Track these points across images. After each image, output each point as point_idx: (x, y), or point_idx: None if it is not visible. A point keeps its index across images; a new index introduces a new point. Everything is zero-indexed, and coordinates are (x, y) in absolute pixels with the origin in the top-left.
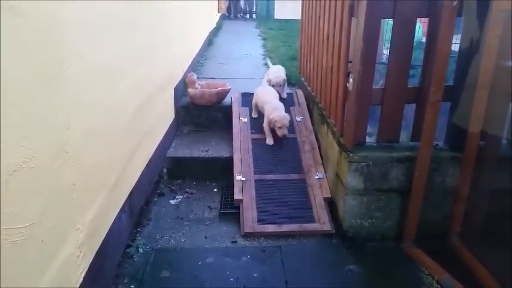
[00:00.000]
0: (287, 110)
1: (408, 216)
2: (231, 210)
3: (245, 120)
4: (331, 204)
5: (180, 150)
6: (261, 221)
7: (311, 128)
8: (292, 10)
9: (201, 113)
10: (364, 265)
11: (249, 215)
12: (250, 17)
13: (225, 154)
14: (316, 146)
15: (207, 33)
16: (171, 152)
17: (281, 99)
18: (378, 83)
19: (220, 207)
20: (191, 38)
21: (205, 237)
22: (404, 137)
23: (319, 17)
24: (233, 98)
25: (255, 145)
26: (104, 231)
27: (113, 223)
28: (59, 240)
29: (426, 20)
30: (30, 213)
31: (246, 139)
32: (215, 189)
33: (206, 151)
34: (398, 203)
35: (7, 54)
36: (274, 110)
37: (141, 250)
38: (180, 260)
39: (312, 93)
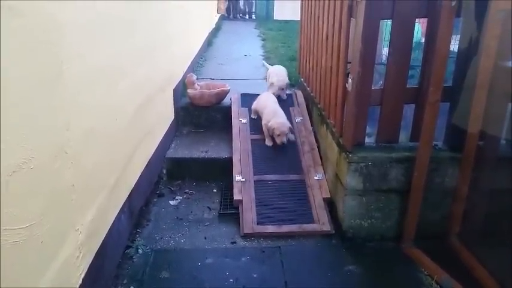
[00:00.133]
0: (286, 111)
1: (407, 216)
2: (230, 211)
3: (244, 120)
4: (330, 204)
5: (180, 150)
6: (260, 221)
7: (310, 128)
8: (291, 11)
9: (200, 114)
10: (364, 265)
11: (249, 215)
12: (249, 17)
13: (224, 155)
14: (315, 146)
15: (207, 34)
16: (171, 153)
17: (281, 100)
18: (377, 84)
19: (220, 208)
20: (191, 38)
21: (205, 238)
22: (403, 137)
23: (318, 17)
24: (232, 99)
25: (255, 146)
26: (104, 232)
27: (112, 224)
28: (58, 241)
29: (425, 20)
30: (30, 214)
31: (245, 140)
32: (215, 190)
33: (206, 152)
34: (398, 203)
35: (6, 55)
36: (273, 116)
37: (140, 251)
38: (180, 261)
39: (311, 94)
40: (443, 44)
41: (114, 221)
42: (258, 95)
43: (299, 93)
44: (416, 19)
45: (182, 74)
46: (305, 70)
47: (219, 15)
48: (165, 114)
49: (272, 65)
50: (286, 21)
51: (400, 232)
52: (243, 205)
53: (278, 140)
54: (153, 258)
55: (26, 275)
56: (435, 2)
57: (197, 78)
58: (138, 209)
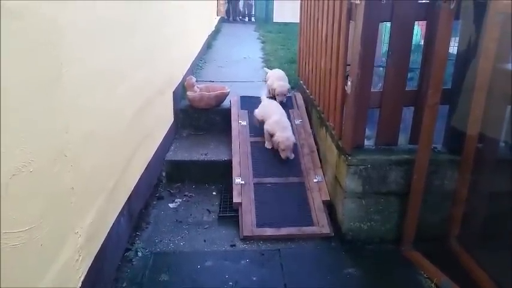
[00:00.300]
0: (286, 113)
1: (407, 219)
2: (230, 214)
3: (244, 123)
4: (330, 207)
5: (179, 153)
6: (259, 224)
7: (310, 131)
8: (291, 13)
9: (200, 116)
10: (363, 268)
11: (248, 218)
12: (249, 20)
13: (224, 157)
14: (315, 149)
15: (206, 37)
16: (170, 156)
17: (280, 102)
18: (376, 86)
19: (219, 211)
20: (190, 41)
21: (204, 241)
22: (402, 140)
23: (318, 19)
24: (232, 101)
25: (254, 148)
26: (103, 235)
27: (111, 227)
28: (58, 244)
29: (424, 23)
30: (29, 217)
31: (245, 142)
32: (214, 193)
33: (205, 154)
34: (397, 206)
35: (6, 57)
36: (280, 128)
37: (140, 254)
38: (179, 264)
39: (311, 96)
40: (443, 47)
41: (113, 224)
42: (258, 97)
43: (298, 96)
44: (416, 21)
45: (182, 77)
46: (304, 72)
47: (219, 17)
48: (164, 117)
49: (271, 69)
50: (286, 24)
51: (400, 235)
52: (242, 208)
53: (283, 155)
54: (153, 261)
55: (25, 278)
56: (434, 4)
57: (197, 81)
58: (137, 212)
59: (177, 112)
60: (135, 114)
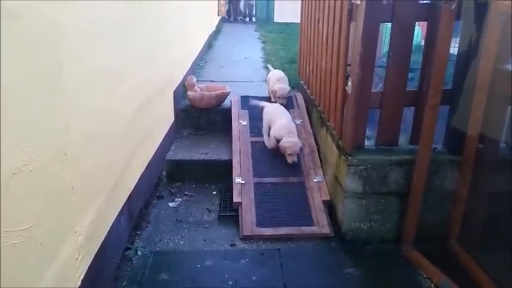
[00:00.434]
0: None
1: (407, 219)
2: (230, 213)
3: (244, 123)
4: (330, 207)
5: (180, 153)
6: (259, 224)
7: (310, 131)
8: (291, 13)
9: (200, 116)
10: (363, 268)
11: (248, 217)
12: (250, 20)
13: (224, 157)
14: (315, 149)
15: (207, 36)
16: (171, 155)
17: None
18: (377, 86)
19: (219, 210)
20: (191, 41)
21: (204, 240)
22: (403, 140)
23: (318, 20)
24: (233, 101)
25: (255, 148)
26: (103, 234)
27: (111, 226)
28: (58, 242)
29: (425, 23)
30: (29, 215)
31: (245, 142)
32: (214, 192)
33: (205, 154)
34: (397, 206)
35: (6, 57)
36: (286, 133)
37: (139, 253)
38: (179, 263)
39: (311, 96)
40: (443, 47)
41: (113, 222)
42: (258, 97)
43: (299, 96)
44: (416, 22)
45: (182, 77)
46: (305, 72)
47: (220, 17)
48: (165, 117)
49: (275, 68)
50: (287, 24)
51: (400, 235)
52: (242, 207)
53: (289, 160)
54: (152, 260)
55: (25, 277)
56: (435, 4)
57: (197, 81)
58: (137, 211)
59: (177, 112)
60: (136, 113)
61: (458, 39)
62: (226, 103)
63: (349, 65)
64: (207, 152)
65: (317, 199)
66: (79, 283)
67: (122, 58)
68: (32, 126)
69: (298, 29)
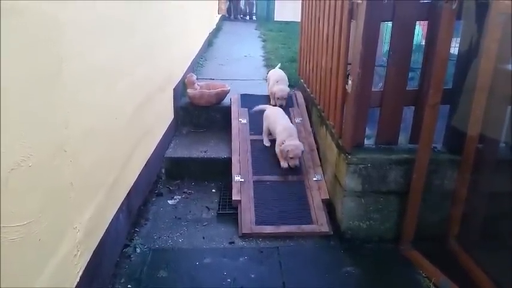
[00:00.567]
0: (286, 112)
1: (406, 218)
2: (229, 211)
3: (244, 121)
4: (329, 205)
5: (179, 150)
6: (258, 222)
7: (310, 129)
8: (292, 12)
9: (200, 114)
10: (362, 267)
11: (247, 216)
12: (250, 18)
13: (223, 155)
14: (314, 147)
15: (207, 34)
16: (170, 152)
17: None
18: (377, 85)
19: (219, 208)
20: (191, 39)
21: (203, 238)
22: (402, 139)
23: (319, 19)
24: (232, 99)
25: (254, 146)
26: (102, 231)
27: (110, 222)
28: (56, 238)
29: (426, 22)
30: (28, 211)
31: (244, 140)
32: (213, 190)
33: (205, 152)
34: (397, 205)
35: (6, 53)
36: (288, 136)
37: (138, 250)
38: (178, 260)
39: (311, 95)
40: (444, 47)
41: (112, 219)
42: (258, 95)
43: (299, 94)
44: (417, 21)
45: (182, 74)
46: (305, 71)
47: (220, 15)
48: (164, 114)
49: (280, 68)
50: (287, 23)
51: (399, 234)
52: (241, 205)
53: (291, 163)
54: (151, 258)
55: (23, 273)
56: (436, 4)
57: (197, 78)
58: (136, 208)
59: (177, 109)
60: (135, 110)
61: (458, 39)
62: (226, 101)
63: (350, 64)
64: (207, 149)
65: (316, 198)
66: (78, 279)
67: (121, 55)
68: (31, 121)
69: (298, 28)
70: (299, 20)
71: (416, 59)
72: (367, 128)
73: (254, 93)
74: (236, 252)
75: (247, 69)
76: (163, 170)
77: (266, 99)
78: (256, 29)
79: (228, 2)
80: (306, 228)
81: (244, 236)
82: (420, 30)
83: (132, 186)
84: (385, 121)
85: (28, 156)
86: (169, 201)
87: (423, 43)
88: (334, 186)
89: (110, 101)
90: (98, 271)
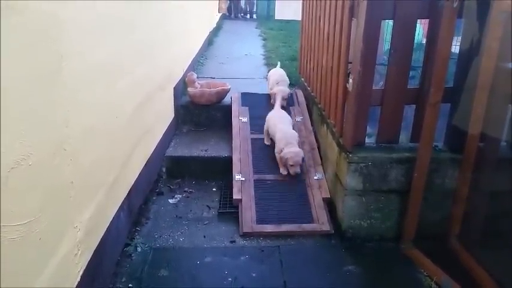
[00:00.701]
0: (287, 110)
1: (407, 217)
2: (230, 210)
3: (245, 120)
4: (330, 204)
5: (180, 149)
6: (259, 220)
7: (310, 128)
8: (292, 11)
9: (200, 113)
10: (363, 266)
11: (248, 214)
12: (250, 17)
13: (224, 154)
14: (315, 146)
15: (207, 33)
16: (170, 151)
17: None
18: (378, 84)
19: (219, 207)
20: (191, 37)
21: (204, 237)
22: (403, 138)
23: (320, 17)
24: (233, 98)
25: (255, 145)
26: (102, 230)
27: (111, 221)
28: (56, 238)
29: (426, 21)
30: (28, 210)
31: (245, 139)
32: (214, 189)
33: (205, 150)
34: (398, 203)
35: (5, 51)
36: (286, 143)
37: (139, 249)
38: (179, 259)
39: (312, 94)
40: (445, 45)
41: (113, 218)
42: (259, 94)
43: (299, 93)
44: (418, 20)
45: (182, 73)
46: (306, 70)
47: (220, 14)
48: (165, 113)
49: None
50: (287, 21)
51: (400, 233)
52: (242, 204)
53: (291, 171)
54: (152, 257)
55: (23, 272)
56: (437, 2)
57: (198, 77)
58: (137, 207)
59: (177, 108)
60: (135, 109)
61: (459, 37)
62: (226, 100)
63: (350, 63)
64: (207, 148)
65: (317, 196)
66: (78, 279)
67: (122, 54)
68: (31, 120)
69: (299, 27)
70: (299, 19)
71: (417, 57)
72: (368, 127)
73: (254, 92)
74: (237, 251)
75: (248, 67)
76: (163, 169)
77: (267, 97)
78: (256, 28)
79: (229, 1)
80: (307, 227)
81: (245, 235)
82: (421, 28)
83: (133, 185)
84: (386, 120)
85: (28, 155)
86: (170, 200)
87: (424, 42)
88: (335, 185)
89: (110, 100)
90: (98, 270)
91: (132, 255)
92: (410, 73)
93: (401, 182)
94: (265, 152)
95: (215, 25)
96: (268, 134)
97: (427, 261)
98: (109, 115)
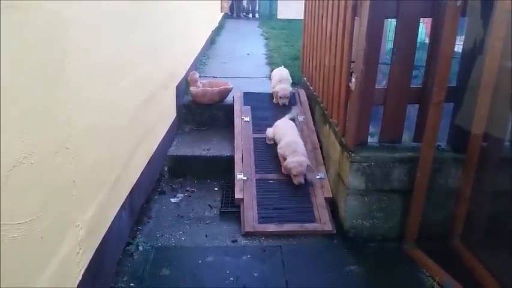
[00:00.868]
0: (289, 109)
1: (410, 217)
2: (231, 209)
3: (247, 119)
4: (332, 204)
5: (182, 148)
6: (261, 220)
7: (313, 127)
8: (295, 10)
9: (202, 112)
10: (365, 266)
11: (250, 214)
12: (252, 16)
13: (226, 153)
14: (317, 145)
15: (210, 32)
16: (172, 150)
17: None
18: (381, 83)
19: (221, 206)
20: (193, 36)
21: (206, 236)
22: (406, 137)
23: (322, 16)
24: (235, 97)
25: (257, 144)
26: (104, 229)
27: (113, 221)
28: (58, 236)
29: (429, 20)
30: (29, 209)
31: (247, 138)
32: (216, 188)
33: (207, 150)
34: (400, 203)
35: (8, 49)
36: (291, 152)
37: (141, 248)
38: (180, 259)
39: (314, 93)
40: (448, 44)
41: (114, 217)
42: (261, 93)
43: (302, 92)
44: (421, 19)
45: (185, 72)
46: (308, 69)
47: (223, 13)
48: (167, 112)
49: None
50: (290, 21)
51: (402, 232)
52: (244, 204)
53: (295, 181)
54: (154, 256)
55: (25, 271)
56: (440, 1)
57: (200, 76)
58: (139, 206)
59: (179, 107)
60: (138, 108)
61: (463, 36)
62: (228, 99)
63: (353, 62)
64: (209, 148)
65: (319, 196)
66: (80, 277)
67: (125, 52)
68: (33, 118)
69: (301, 26)
70: (302, 18)
71: (420, 56)
72: (370, 126)
73: (257, 91)
74: (239, 251)
75: (250, 67)
76: (165, 168)
77: (269, 97)
78: (258, 27)
79: (231, 0)
80: (309, 226)
81: (247, 235)
82: (424, 28)
83: (135, 184)
84: (388, 119)
85: (30, 154)
86: (172, 200)
87: (427, 41)
88: (337, 184)
89: (113, 99)
90: (100, 269)
91: (134, 254)
92: (413, 72)
93: (404, 181)
94: (267, 151)
95: (217, 24)
96: (272, 139)
97: (429, 261)
98: (111, 114)
